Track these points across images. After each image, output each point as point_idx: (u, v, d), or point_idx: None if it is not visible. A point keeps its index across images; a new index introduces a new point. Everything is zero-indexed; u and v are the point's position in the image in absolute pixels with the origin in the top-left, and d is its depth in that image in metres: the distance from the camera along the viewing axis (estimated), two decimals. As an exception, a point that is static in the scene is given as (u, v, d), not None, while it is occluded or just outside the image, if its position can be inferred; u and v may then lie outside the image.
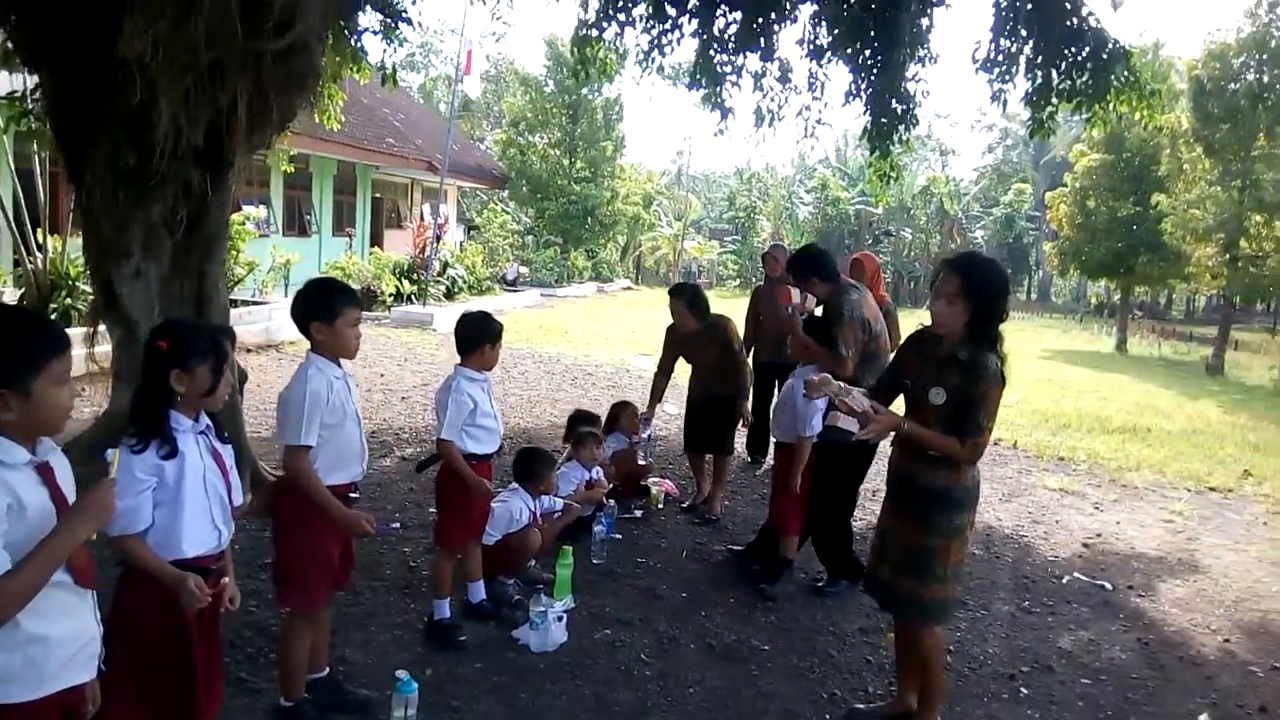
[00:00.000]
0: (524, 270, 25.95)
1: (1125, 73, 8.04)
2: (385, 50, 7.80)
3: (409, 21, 7.34)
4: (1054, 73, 8.18)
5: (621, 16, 9.07)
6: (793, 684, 3.67)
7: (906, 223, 44.20)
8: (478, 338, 3.65)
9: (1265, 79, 18.94)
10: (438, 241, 18.40)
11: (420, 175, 22.31)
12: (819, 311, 4.47)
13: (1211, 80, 19.39)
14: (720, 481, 5.81)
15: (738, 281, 39.75)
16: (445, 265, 19.15)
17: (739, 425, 5.84)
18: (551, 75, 30.48)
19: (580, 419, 5.51)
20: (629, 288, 33.21)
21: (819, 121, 9.00)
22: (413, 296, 16.58)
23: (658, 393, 5.88)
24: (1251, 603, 5.08)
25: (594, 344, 14.21)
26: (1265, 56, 18.97)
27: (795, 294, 4.37)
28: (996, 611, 4.66)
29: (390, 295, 16.12)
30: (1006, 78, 8.47)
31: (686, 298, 5.55)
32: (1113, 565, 5.58)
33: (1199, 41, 19.82)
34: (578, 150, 30.45)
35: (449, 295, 18.31)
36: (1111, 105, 8.12)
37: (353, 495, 2.88)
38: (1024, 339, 25.31)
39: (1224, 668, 4.20)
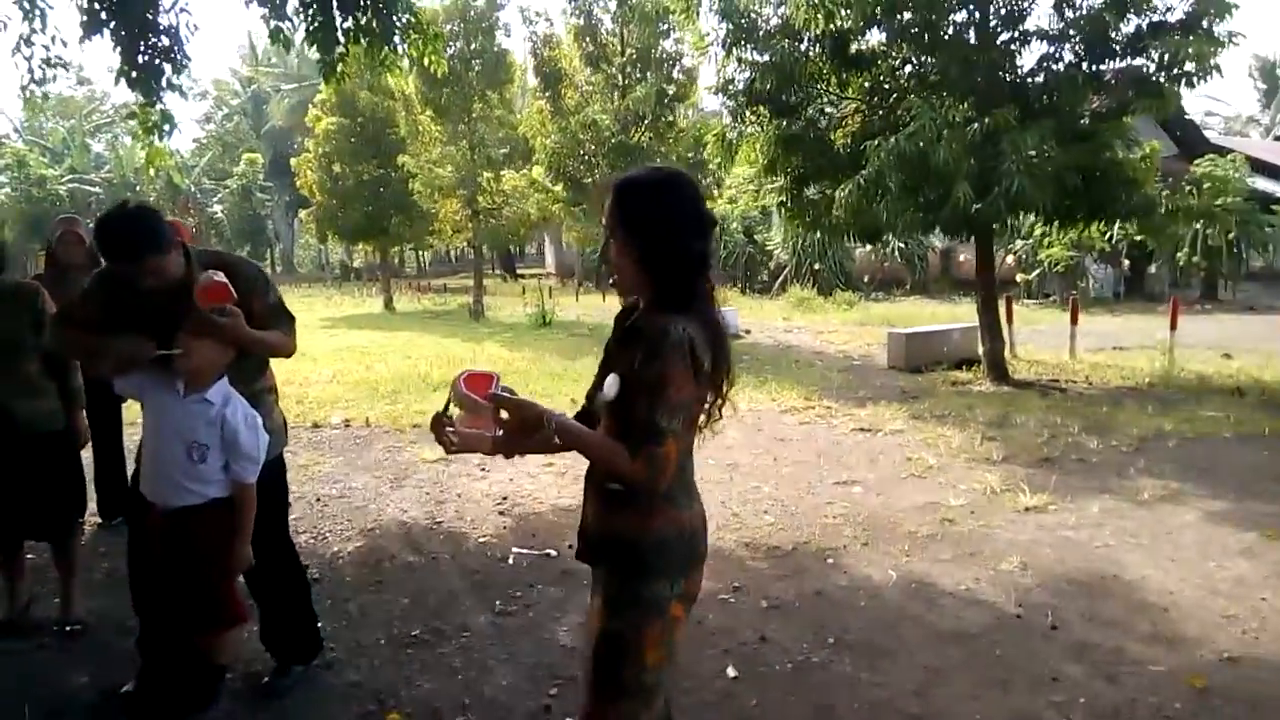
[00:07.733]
0: None
1: (408, 14, 7.69)
2: None
3: None
4: (335, 11, 7.43)
5: None
6: None
7: (136, 200, 39.56)
8: None
9: (472, 45, 20.82)
10: None
11: None
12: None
13: (429, 45, 20.70)
14: (73, 571, 3.89)
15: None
16: None
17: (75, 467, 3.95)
18: None
19: None
20: None
21: (53, 61, 6.74)
22: None
23: None
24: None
25: None
26: (465, 24, 20.77)
27: (219, 286, 2.79)
28: (479, 630, 3.89)
29: None
30: (282, 15, 7.44)
31: None
32: (540, 528, 5.25)
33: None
34: None
35: None
36: (401, 47, 7.72)
37: None
38: (302, 311, 24.60)
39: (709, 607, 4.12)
